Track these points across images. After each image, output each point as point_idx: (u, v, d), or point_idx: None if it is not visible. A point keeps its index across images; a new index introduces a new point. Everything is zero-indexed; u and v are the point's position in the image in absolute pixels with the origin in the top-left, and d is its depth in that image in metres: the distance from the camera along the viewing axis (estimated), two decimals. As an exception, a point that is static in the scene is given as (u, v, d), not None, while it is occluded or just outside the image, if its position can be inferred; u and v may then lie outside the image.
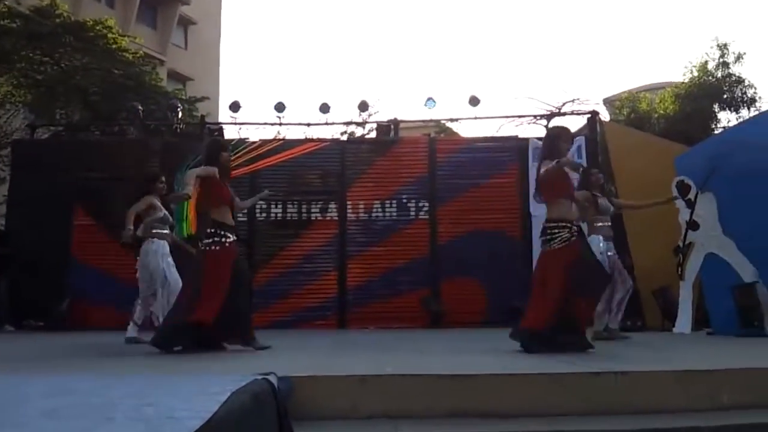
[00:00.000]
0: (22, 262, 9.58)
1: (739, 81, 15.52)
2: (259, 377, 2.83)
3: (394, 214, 10.25)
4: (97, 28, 15.13)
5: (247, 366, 3.67)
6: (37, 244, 9.61)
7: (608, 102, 20.93)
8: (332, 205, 10.30)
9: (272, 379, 2.88)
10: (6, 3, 15.69)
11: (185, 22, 28.82)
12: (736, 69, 15.58)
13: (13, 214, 10.38)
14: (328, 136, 11.40)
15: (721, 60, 15.66)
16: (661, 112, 15.95)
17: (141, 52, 17.00)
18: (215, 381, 2.70)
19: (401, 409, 3.18)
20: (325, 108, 10.72)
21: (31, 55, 14.40)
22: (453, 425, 3.07)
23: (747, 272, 6.97)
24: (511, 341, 4.97)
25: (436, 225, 10.15)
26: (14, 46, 13.86)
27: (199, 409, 2.08)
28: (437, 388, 3.24)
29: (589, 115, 10.90)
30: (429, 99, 10.65)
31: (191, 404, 2.21)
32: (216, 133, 10.71)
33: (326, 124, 11.00)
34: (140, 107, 10.95)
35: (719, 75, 15.63)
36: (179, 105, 11.60)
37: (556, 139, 5.25)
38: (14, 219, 10.31)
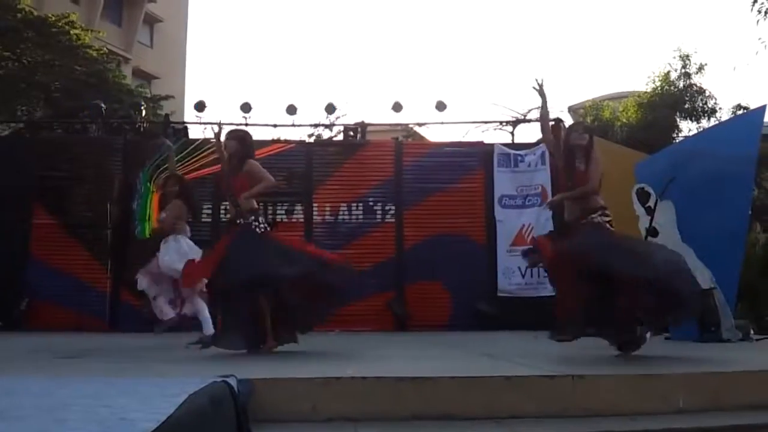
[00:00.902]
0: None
1: (701, 91, 15.86)
2: (218, 379, 2.81)
3: (361, 216, 10.25)
4: (60, 24, 14.86)
5: (208, 368, 3.64)
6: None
7: (573, 110, 21.23)
8: (298, 207, 10.26)
9: (232, 381, 2.86)
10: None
11: (151, 20, 28.47)
12: (697, 79, 15.94)
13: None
14: (295, 138, 11.34)
15: (683, 70, 15.99)
16: (624, 120, 16.21)
17: (105, 48, 16.72)
18: (174, 383, 2.67)
19: (362, 411, 3.19)
20: (291, 109, 10.67)
21: (-9, 50, 14.09)
22: (413, 428, 3.09)
23: (704, 278, 7.10)
24: (475, 345, 5.01)
25: (402, 228, 10.17)
26: (-27, 40, 13.57)
27: (154, 410, 2.05)
28: (397, 390, 3.25)
29: (553, 123, 11.00)
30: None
31: (147, 406, 2.18)
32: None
33: (293, 125, 10.96)
34: (103, 105, 10.77)
35: (681, 85, 15.96)
36: (142, 103, 11.43)
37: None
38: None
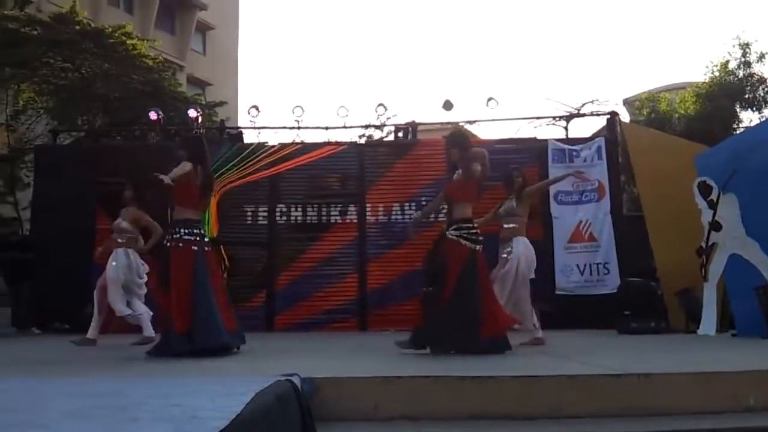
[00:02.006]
0: (48, 265, 9.68)
1: (762, 81, 15.38)
2: (283, 378, 2.84)
3: (414, 216, 10.23)
4: (116, 34, 15.26)
5: (271, 367, 3.69)
6: (61, 248, 9.69)
7: (628, 102, 20.79)
8: (351, 208, 10.31)
9: (295, 380, 2.90)
10: (27, 11, 15.91)
11: (203, 28, 29.07)
12: (758, 68, 15.45)
13: (38, 218, 10.51)
14: (347, 140, 11.39)
15: (743, 59, 15.53)
16: (682, 112, 15.83)
17: (160, 57, 17.11)
18: (239, 382, 2.72)
19: (422, 410, 3.18)
20: (343, 111, 10.75)
21: (52, 61, 14.55)
22: (474, 427, 3.07)
23: (771, 273, 6.88)
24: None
25: (456, 227, 10.10)
26: (35, 53, 14.03)
27: (223, 409, 2.09)
28: (458, 389, 3.24)
29: (608, 116, 10.81)
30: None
31: (216, 404, 2.23)
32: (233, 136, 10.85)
33: (344, 127, 11.01)
34: (161, 113, 11.03)
35: (741, 74, 15.49)
36: (199, 110, 11.66)
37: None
38: (38, 223, 10.43)
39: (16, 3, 15.47)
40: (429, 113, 21.01)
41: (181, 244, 5.17)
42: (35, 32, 14.41)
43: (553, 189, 9.98)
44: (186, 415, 2.06)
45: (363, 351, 5.79)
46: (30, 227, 10.98)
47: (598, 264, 9.70)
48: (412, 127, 11.01)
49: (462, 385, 3.26)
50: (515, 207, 6.52)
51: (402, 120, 11.89)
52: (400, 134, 11.13)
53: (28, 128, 15.49)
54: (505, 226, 6.55)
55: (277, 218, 10.22)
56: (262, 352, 5.47)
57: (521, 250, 6.35)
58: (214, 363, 4.59)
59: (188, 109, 11.30)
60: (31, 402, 2.42)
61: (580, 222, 9.86)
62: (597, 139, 10.25)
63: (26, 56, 13.87)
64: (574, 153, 10.07)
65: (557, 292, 9.70)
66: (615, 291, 8.84)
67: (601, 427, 3.07)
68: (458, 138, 5.80)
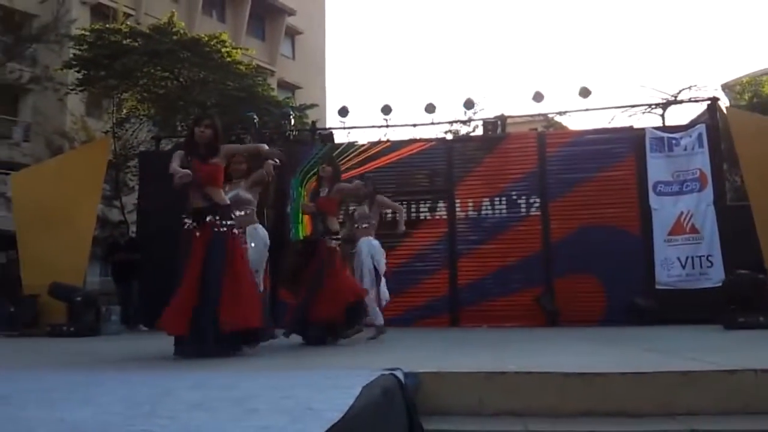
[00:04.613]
0: (154, 266, 10.15)
1: None
2: (387, 372, 2.88)
3: (504, 211, 10.12)
4: (212, 42, 15.83)
5: (373, 361, 3.74)
6: (166, 249, 10.10)
7: (727, 87, 19.82)
8: (441, 204, 10.32)
9: (399, 374, 2.93)
10: (128, 24, 16.75)
11: (292, 33, 29.77)
12: None
13: (143, 221, 11.04)
14: (435, 136, 11.41)
15: None
16: (788, 95, 14.98)
17: (254, 63, 17.62)
18: (346, 375, 2.77)
19: (527, 406, 3.14)
20: (430, 108, 10.75)
21: (152, 71, 15.25)
22: (582, 424, 3.01)
23: None
24: (638, 340, 4.81)
25: (549, 221, 9.93)
26: (137, 63, 14.75)
27: (335, 401, 2.14)
28: (564, 386, 3.18)
29: (709, 102, 10.35)
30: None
31: (326, 397, 2.28)
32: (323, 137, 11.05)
33: (432, 123, 11.03)
34: (255, 117, 11.36)
35: None
36: (291, 113, 11.93)
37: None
38: (144, 226, 10.96)
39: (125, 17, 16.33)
40: (517, 106, 20.71)
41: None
42: (136, 44, 15.15)
43: (651, 179, 9.64)
44: (300, 407, 2.12)
45: (460, 346, 5.78)
46: (136, 229, 11.55)
47: (700, 257, 9.30)
48: (501, 121, 10.89)
49: (568, 381, 3.19)
50: (367, 211, 7.18)
51: (490, 114, 11.76)
52: (489, 129, 11.04)
53: (132, 135, 16.32)
54: (360, 227, 7.22)
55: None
56: (361, 347, 5.54)
57: (369, 248, 7.01)
58: (316, 357, 4.69)
59: (282, 112, 11.59)
60: (154, 395, 2.55)
61: (681, 213, 9.48)
62: (698, 126, 9.82)
63: (129, 67, 14.61)
64: (674, 141, 9.68)
65: (657, 287, 9.36)
66: (719, 285, 8.45)
67: (717, 425, 2.95)
68: (334, 161, 7.38)
